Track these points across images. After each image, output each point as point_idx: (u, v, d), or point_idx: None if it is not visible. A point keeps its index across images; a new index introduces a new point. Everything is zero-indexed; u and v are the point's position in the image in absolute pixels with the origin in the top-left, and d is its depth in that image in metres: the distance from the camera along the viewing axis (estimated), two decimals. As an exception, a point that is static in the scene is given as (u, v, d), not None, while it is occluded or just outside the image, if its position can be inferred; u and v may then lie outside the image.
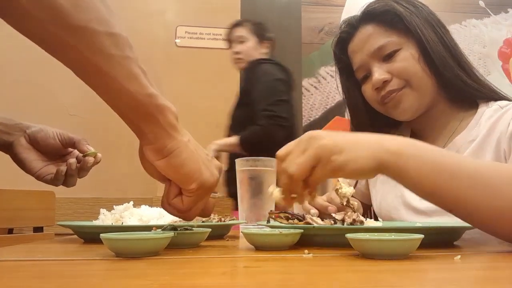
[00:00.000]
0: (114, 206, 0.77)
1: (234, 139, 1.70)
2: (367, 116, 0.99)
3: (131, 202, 0.78)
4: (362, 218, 0.65)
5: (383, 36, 0.90)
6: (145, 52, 1.92)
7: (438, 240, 0.59)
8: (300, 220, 0.67)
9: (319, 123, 2.10)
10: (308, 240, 0.58)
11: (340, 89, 1.03)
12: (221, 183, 1.57)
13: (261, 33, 1.90)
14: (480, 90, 0.87)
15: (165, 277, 0.36)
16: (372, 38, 0.91)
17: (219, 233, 0.77)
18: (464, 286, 0.34)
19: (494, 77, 2.16)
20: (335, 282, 0.35)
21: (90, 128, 1.79)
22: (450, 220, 0.75)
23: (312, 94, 2.12)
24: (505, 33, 2.27)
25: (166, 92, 2.04)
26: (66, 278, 0.37)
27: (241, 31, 1.83)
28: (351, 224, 0.64)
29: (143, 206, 0.77)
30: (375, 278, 0.36)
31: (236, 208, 0.98)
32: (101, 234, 0.47)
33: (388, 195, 0.95)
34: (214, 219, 0.80)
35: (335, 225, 0.64)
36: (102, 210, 0.76)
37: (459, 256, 0.45)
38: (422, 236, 0.46)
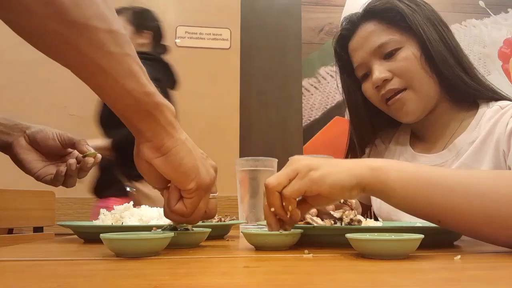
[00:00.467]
0: (114, 206, 0.77)
1: (105, 142, 1.51)
2: (367, 115, 0.99)
3: (131, 202, 0.78)
4: (359, 217, 0.65)
5: (384, 34, 0.89)
6: (145, 52, 1.92)
7: (438, 240, 0.59)
8: (300, 220, 0.67)
9: (319, 123, 2.10)
10: (308, 240, 0.58)
11: (340, 87, 1.03)
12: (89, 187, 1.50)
13: (139, 22, 1.69)
14: (480, 90, 0.87)
15: (165, 277, 0.36)
16: (373, 35, 0.90)
17: (219, 233, 0.77)
18: (464, 286, 0.34)
19: (494, 77, 2.16)
20: (335, 282, 0.35)
21: (90, 128, 1.79)
22: None
23: (312, 94, 2.12)
24: (505, 33, 2.27)
25: (166, 92, 2.00)
26: (66, 278, 0.37)
27: None
28: (349, 223, 0.64)
29: (143, 206, 0.77)
30: (375, 278, 0.36)
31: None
32: (101, 234, 0.47)
33: None
34: (214, 219, 0.80)
35: (335, 225, 0.64)
36: (102, 210, 0.76)
37: (459, 256, 0.45)
38: (422, 236, 0.46)
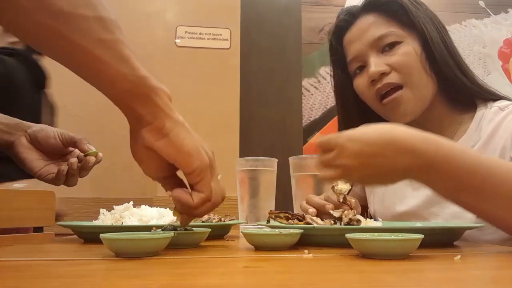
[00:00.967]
0: (114, 206, 0.77)
1: None
2: (357, 112, 0.96)
3: (131, 202, 0.78)
4: (359, 217, 0.65)
5: (384, 26, 0.87)
6: (145, 52, 1.92)
7: (438, 240, 0.59)
8: (300, 220, 0.67)
9: (319, 123, 2.10)
10: (308, 240, 0.58)
11: (332, 80, 1.00)
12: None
13: None
14: (478, 91, 0.86)
15: (165, 277, 0.36)
16: (373, 27, 0.87)
17: (219, 233, 0.77)
18: (464, 286, 0.34)
19: (494, 77, 2.16)
20: (335, 282, 0.35)
21: (90, 128, 1.79)
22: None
23: (312, 94, 2.12)
24: (505, 33, 2.27)
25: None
26: (66, 278, 0.37)
27: None
28: (348, 223, 0.64)
29: (143, 206, 0.77)
30: (375, 278, 0.36)
31: None
32: (101, 234, 0.47)
33: (385, 200, 0.95)
34: (214, 219, 0.80)
35: (335, 225, 0.64)
36: (102, 210, 0.76)
37: (459, 256, 0.45)
38: (422, 236, 0.46)
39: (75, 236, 0.76)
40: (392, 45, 0.85)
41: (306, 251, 0.50)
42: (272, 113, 2.08)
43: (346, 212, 0.66)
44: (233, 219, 0.83)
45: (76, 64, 0.45)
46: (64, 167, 0.81)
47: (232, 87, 1.96)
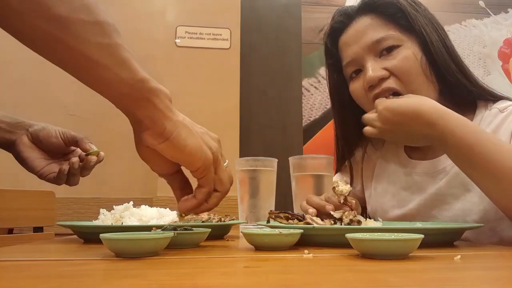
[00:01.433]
0: (114, 206, 0.77)
1: None
2: (353, 116, 0.93)
3: (131, 202, 0.78)
4: (359, 217, 0.65)
5: (382, 29, 0.84)
6: (145, 52, 1.92)
7: (438, 240, 0.60)
8: (300, 220, 0.67)
9: (319, 123, 2.10)
10: (308, 240, 0.58)
11: (327, 83, 0.98)
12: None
13: None
14: (480, 94, 0.85)
15: (165, 277, 0.36)
16: (370, 29, 0.84)
17: (219, 233, 0.77)
18: (464, 286, 0.34)
19: (494, 77, 2.15)
20: (335, 282, 0.35)
21: (90, 128, 1.79)
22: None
23: (312, 94, 2.12)
24: (505, 33, 2.27)
25: (166, 92, 1.99)
26: (66, 278, 0.37)
27: None
28: (349, 224, 0.64)
29: (143, 206, 0.77)
30: (375, 278, 0.36)
31: None
32: (101, 234, 0.47)
33: (384, 203, 0.95)
34: (214, 219, 0.80)
35: (335, 225, 0.64)
36: (102, 210, 0.76)
37: (459, 256, 0.45)
38: (422, 236, 0.46)
39: (75, 236, 0.76)
40: (390, 49, 0.83)
41: (306, 251, 0.50)
42: (272, 113, 2.08)
43: (347, 213, 0.66)
44: (233, 219, 0.83)
45: (74, 68, 0.45)
46: (65, 166, 0.81)
47: (232, 87, 1.96)
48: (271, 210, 0.73)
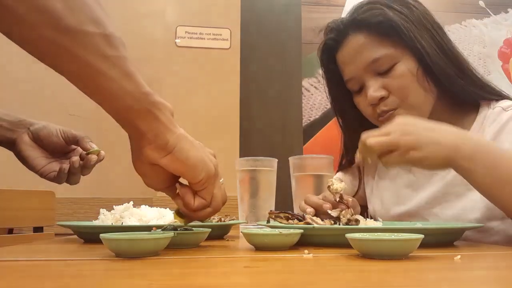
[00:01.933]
0: (114, 206, 0.77)
1: None
2: (358, 123, 0.95)
3: (131, 202, 0.78)
4: (357, 216, 0.65)
5: (377, 48, 0.83)
6: (145, 52, 1.92)
7: (438, 240, 0.59)
8: (300, 220, 0.67)
9: (319, 123, 2.10)
10: (308, 240, 0.58)
11: (327, 95, 0.99)
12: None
13: None
14: (481, 94, 0.85)
15: (165, 277, 0.36)
16: (365, 49, 0.84)
17: (219, 233, 0.77)
18: (464, 286, 0.34)
19: (494, 77, 2.15)
20: (335, 282, 0.35)
21: (90, 128, 1.79)
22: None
23: (312, 94, 2.12)
24: (505, 33, 2.27)
25: (166, 92, 2.03)
26: (66, 278, 0.37)
27: None
28: (346, 223, 0.64)
29: (143, 206, 0.77)
30: (375, 278, 0.36)
31: None
32: (101, 234, 0.47)
33: (385, 201, 0.95)
34: (214, 219, 0.80)
35: (335, 225, 0.64)
36: (102, 210, 0.76)
37: (459, 256, 0.45)
38: (422, 236, 0.46)
39: (75, 236, 0.76)
40: (388, 68, 0.83)
41: (306, 251, 0.50)
42: (272, 113, 2.08)
43: (344, 212, 0.66)
44: (233, 219, 0.83)
45: (80, 78, 0.45)
46: (66, 165, 0.81)
47: (232, 87, 1.96)
48: (271, 210, 0.73)
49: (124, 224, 0.72)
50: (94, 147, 0.83)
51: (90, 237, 0.71)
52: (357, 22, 0.86)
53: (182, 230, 0.59)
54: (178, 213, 0.59)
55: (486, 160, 0.63)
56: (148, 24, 2.02)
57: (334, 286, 0.33)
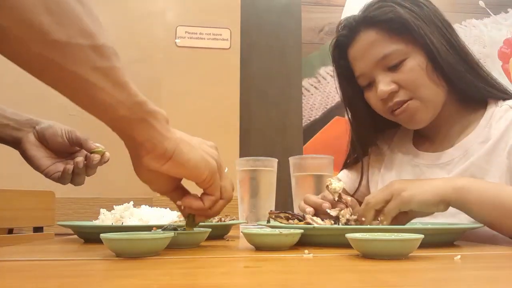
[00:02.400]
0: (114, 206, 0.77)
1: None
2: (368, 118, 0.97)
3: (131, 202, 0.78)
4: (356, 216, 0.65)
5: (387, 44, 0.85)
6: (145, 52, 1.92)
7: (438, 240, 0.59)
8: (300, 220, 0.67)
9: (319, 123, 2.10)
10: (308, 240, 0.58)
11: (339, 91, 1.00)
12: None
13: None
14: (490, 91, 0.86)
15: (165, 277, 0.36)
16: (376, 45, 0.86)
17: (219, 233, 0.77)
18: (464, 286, 0.34)
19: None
20: (335, 282, 0.35)
21: (90, 128, 1.79)
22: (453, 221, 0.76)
23: (312, 94, 2.12)
24: (505, 33, 2.27)
25: (166, 92, 2.03)
26: (66, 278, 0.37)
27: None
28: (346, 223, 0.64)
29: (143, 206, 0.77)
30: (375, 278, 0.36)
31: None
32: (101, 234, 0.47)
33: None
34: (214, 219, 0.80)
35: (335, 225, 0.64)
36: (102, 210, 0.76)
37: (459, 256, 0.45)
38: (422, 236, 0.46)
39: (75, 236, 0.76)
40: (398, 63, 0.85)
41: (306, 251, 0.50)
42: (272, 113, 2.08)
43: (342, 211, 0.66)
44: (233, 219, 0.83)
45: (70, 92, 0.44)
46: (70, 166, 0.81)
47: (232, 87, 1.96)
48: (271, 210, 0.73)
49: (124, 224, 0.72)
50: (99, 146, 0.83)
51: (90, 237, 0.71)
52: (368, 19, 0.88)
53: (182, 230, 0.59)
54: (189, 219, 0.58)
55: (477, 190, 0.67)
56: (148, 24, 2.02)
57: (334, 286, 0.33)
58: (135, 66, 1.81)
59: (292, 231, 0.55)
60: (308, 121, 2.10)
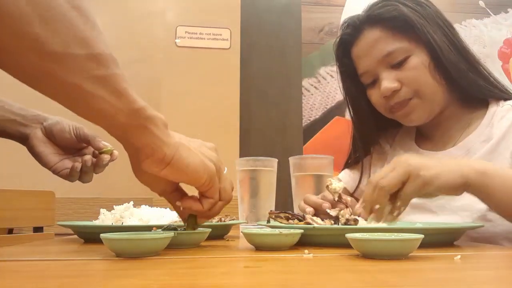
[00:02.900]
0: (114, 206, 0.77)
1: None
2: (370, 116, 0.98)
3: (131, 202, 0.78)
4: (355, 216, 0.65)
5: (391, 42, 0.86)
6: (145, 52, 1.92)
7: (438, 240, 0.59)
8: (300, 220, 0.67)
9: (319, 123, 2.10)
10: (308, 240, 0.58)
11: (342, 90, 1.01)
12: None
13: None
14: (491, 90, 0.87)
15: (165, 277, 0.36)
16: (380, 43, 0.87)
17: (219, 233, 0.77)
18: (464, 286, 0.34)
19: (494, 77, 2.15)
20: (335, 282, 0.35)
21: (90, 128, 1.79)
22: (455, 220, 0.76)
23: (312, 94, 2.12)
24: (505, 33, 2.27)
25: (166, 92, 2.03)
26: (66, 278, 0.37)
27: None
28: (345, 223, 0.64)
29: (143, 206, 0.77)
30: (375, 278, 0.36)
31: None
32: (101, 234, 0.47)
33: None
34: (214, 219, 0.80)
35: (335, 225, 0.64)
36: (102, 210, 0.76)
37: (459, 256, 0.45)
38: (422, 236, 0.46)
39: (75, 236, 0.76)
40: (401, 61, 0.86)
41: (306, 251, 0.50)
42: (272, 113, 2.08)
43: (342, 211, 0.66)
44: (233, 219, 0.83)
45: (68, 101, 0.44)
46: (78, 163, 0.80)
47: (232, 87, 1.96)
48: (271, 210, 0.73)
49: (124, 224, 0.72)
50: (108, 145, 0.83)
51: (90, 237, 0.71)
52: (372, 18, 0.89)
53: (182, 230, 0.59)
54: (190, 220, 0.58)
55: (500, 176, 0.63)
56: (148, 24, 2.02)
57: (334, 286, 0.33)
58: (135, 66, 1.81)
59: (292, 231, 0.55)
60: (308, 121, 2.10)
